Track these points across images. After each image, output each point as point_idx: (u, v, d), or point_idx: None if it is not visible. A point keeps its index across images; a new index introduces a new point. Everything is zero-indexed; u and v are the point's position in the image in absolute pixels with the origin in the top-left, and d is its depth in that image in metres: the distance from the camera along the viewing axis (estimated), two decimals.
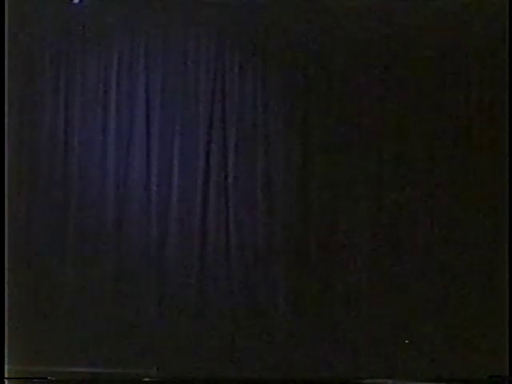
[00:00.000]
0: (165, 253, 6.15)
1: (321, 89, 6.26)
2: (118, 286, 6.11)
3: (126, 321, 6.03)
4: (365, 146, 6.21)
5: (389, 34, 6.20)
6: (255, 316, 6.07)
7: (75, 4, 6.15)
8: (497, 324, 5.77)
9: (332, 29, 6.23)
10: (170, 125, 6.23)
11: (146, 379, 5.78)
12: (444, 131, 6.15)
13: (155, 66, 6.26)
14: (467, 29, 6.16)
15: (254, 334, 6.02)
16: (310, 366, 5.87)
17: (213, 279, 6.13)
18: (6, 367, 5.39)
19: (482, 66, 6.18)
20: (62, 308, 6.08)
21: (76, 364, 5.85)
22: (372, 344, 5.96)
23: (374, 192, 6.20)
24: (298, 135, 6.23)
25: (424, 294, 6.02)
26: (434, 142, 6.17)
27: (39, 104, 6.23)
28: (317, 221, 6.18)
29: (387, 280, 6.09)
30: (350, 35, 6.22)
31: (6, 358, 5.35)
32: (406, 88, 6.20)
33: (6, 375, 5.37)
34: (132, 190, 6.21)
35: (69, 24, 6.22)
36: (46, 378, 5.65)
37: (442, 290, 6.02)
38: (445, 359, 5.86)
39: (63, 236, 6.16)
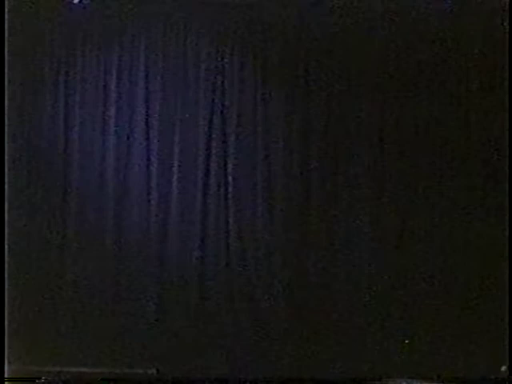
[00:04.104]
0: (165, 252, 6.15)
1: (321, 88, 6.25)
2: (118, 285, 6.10)
3: (125, 321, 6.03)
4: (365, 145, 6.20)
5: (389, 34, 6.19)
6: (255, 316, 6.07)
7: (75, 4, 6.15)
8: (497, 324, 5.77)
9: (332, 28, 6.22)
10: (169, 125, 6.23)
11: (146, 379, 5.79)
12: (444, 131, 6.14)
13: (155, 66, 6.25)
14: (467, 28, 6.17)
15: (254, 334, 6.01)
16: (310, 366, 5.86)
17: (213, 279, 6.13)
18: (6, 367, 5.40)
19: (482, 65, 6.17)
20: (62, 308, 6.07)
21: (76, 364, 5.85)
22: (372, 344, 5.95)
23: (375, 192, 6.19)
24: (298, 135, 6.23)
25: (424, 293, 6.02)
26: (433, 141, 6.17)
27: (39, 104, 6.22)
28: (317, 221, 6.17)
29: (387, 280, 6.09)
30: (350, 35, 6.21)
31: (5, 358, 5.37)
32: (407, 88, 6.19)
33: (6, 375, 5.38)
34: (132, 190, 6.20)
35: (69, 24, 6.22)
36: (46, 378, 5.66)
37: (442, 289, 6.01)
38: (445, 359, 5.85)
39: (63, 236, 6.16)
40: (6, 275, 5.53)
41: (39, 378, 5.63)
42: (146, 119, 6.22)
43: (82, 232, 6.15)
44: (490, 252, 5.99)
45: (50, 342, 5.96)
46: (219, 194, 6.19)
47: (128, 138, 6.21)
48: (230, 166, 6.21)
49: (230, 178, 6.20)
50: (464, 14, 6.14)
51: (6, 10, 5.72)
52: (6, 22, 5.71)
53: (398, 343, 5.95)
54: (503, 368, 5.62)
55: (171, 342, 5.98)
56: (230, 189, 6.19)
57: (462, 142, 6.15)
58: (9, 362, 5.48)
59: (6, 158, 5.77)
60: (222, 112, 6.25)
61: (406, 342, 5.95)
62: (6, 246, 5.54)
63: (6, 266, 5.56)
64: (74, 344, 5.96)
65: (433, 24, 6.16)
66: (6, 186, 5.74)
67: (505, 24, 5.93)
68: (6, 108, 5.80)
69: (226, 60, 6.26)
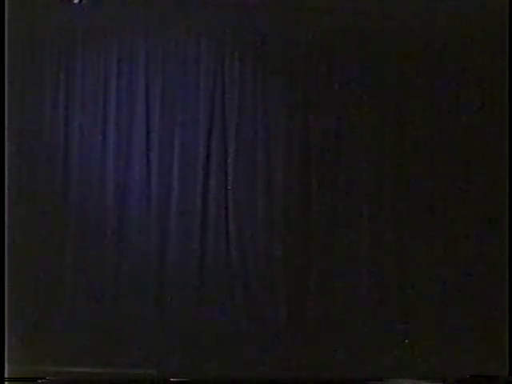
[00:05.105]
0: (165, 253, 6.15)
1: (321, 88, 6.26)
2: (117, 286, 6.11)
3: (125, 321, 6.03)
4: (365, 145, 6.21)
5: (389, 35, 6.20)
6: (255, 316, 6.07)
7: (75, 4, 6.15)
8: (497, 324, 5.77)
9: (332, 28, 6.23)
10: (169, 125, 6.24)
11: (146, 379, 5.79)
12: (444, 131, 6.15)
13: (155, 66, 6.26)
14: (467, 28, 6.18)
15: (253, 334, 6.02)
16: (310, 366, 5.86)
17: (213, 279, 6.13)
18: (6, 367, 5.40)
19: (483, 65, 6.18)
20: (62, 308, 6.07)
21: (76, 364, 5.85)
22: (372, 344, 5.95)
23: (375, 191, 6.20)
24: (298, 135, 6.24)
25: (424, 293, 6.03)
26: (433, 141, 6.17)
27: (39, 104, 6.23)
28: (317, 221, 6.18)
29: (387, 280, 6.09)
30: (350, 35, 6.22)
31: (5, 358, 5.36)
32: (407, 88, 6.20)
33: (5, 375, 5.38)
34: (132, 191, 6.21)
35: (69, 24, 6.22)
36: (46, 378, 5.65)
37: (442, 289, 6.02)
38: (445, 359, 5.86)
39: (63, 236, 6.16)
40: (5, 275, 5.53)
41: (39, 378, 5.63)
42: (147, 119, 6.22)
43: (82, 231, 6.15)
44: (490, 252, 5.99)
45: (50, 342, 5.96)
46: (219, 193, 6.20)
47: (128, 137, 6.22)
48: (230, 166, 6.21)
49: (229, 178, 6.21)
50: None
51: (6, 10, 5.71)
52: (6, 21, 5.71)
53: (398, 343, 5.96)
54: None
55: (171, 342, 5.98)
56: (230, 188, 6.20)
57: (463, 145, 6.17)
58: (9, 362, 5.47)
59: (6, 157, 5.76)
60: (222, 112, 6.26)
61: (406, 341, 5.95)
62: (6, 246, 5.53)
63: (6, 265, 5.55)
64: (74, 344, 5.96)
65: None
66: (6, 186, 5.74)
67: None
68: (6, 108, 5.80)
69: (226, 60, 6.27)
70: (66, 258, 6.15)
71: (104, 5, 6.24)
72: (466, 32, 6.19)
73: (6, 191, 5.70)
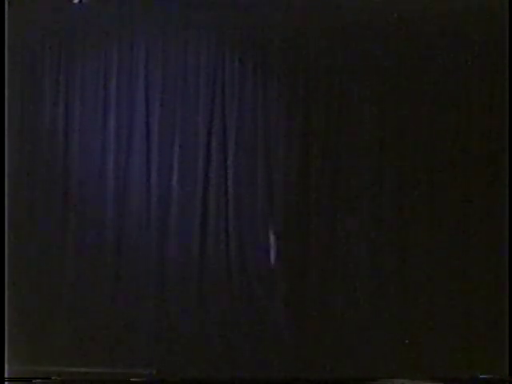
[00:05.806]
0: (164, 253, 6.16)
1: (321, 88, 6.26)
2: (117, 286, 6.11)
3: (125, 321, 6.03)
4: (365, 145, 6.21)
5: (389, 33, 6.20)
6: (255, 316, 6.08)
7: (75, 4, 6.15)
8: (497, 324, 5.77)
9: (332, 27, 6.22)
10: (169, 125, 6.24)
11: (146, 379, 5.79)
12: (444, 130, 6.15)
13: (155, 66, 6.26)
14: (468, 27, 6.17)
15: (253, 334, 6.02)
16: (310, 366, 5.86)
17: (213, 279, 6.13)
18: (6, 367, 5.40)
19: (483, 64, 6.18)
20: (62, 308, 6.08)
21: (76, 364, 5.85)
22: (372, 344, 5.95)
23: (375, 191, 6.19)
24: (298, 135, 6.24)
25: (424, 293, 6.02)
26: (434, 140, 6.17)
27: (39, 104, 6.23)
28: (317, 220, 6.18)
29: (387, 279, 6.09)
30: (350, 34, 6.22)
31: (6, 358, 5.37)
32: (407, 88, 6.20)
33: (6, 375, 5.38)
34: (132, 190, 6.21)
35: (69, 24, 6.22)
36: (47, 378, 5.66)
37: (442, 289, 6.02)
38: (445, 359, 5.85)
39: (63, 236, 6.16)
40: (5, 275, 5.53)
41: (39, 378, 5.64)
42: (146, 119, 6.22)
43: (82, 231, 6.15)
44: (490, 252, 5.99)
45: (50, 342, 5.97)
46: (219, 194, 6.20)
47: (128, 138, 6.22)
48: (230, 165, 6.21)
49: (229, 178, 6.21)
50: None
51: (6, 9, 5.72)
52: (6, 21, 5.72)
53: (398, 343, 5.96)
54: None
55: (171, 342, 5.99)
56: (230, 189, 6.19)
57: (462, 143, 6.16)
58: (8, 363, 5.48)
59: (6, 157, 5.77)
60: (222, 112, 6.25)
61: (406, 341, 5.95)
62: (6, 246, 5.54)
63: (6, 265, 5.56)
64: (74, 344, 5.97)
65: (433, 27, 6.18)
66: (6, 186, 5.74)
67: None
68: (6, 108, 5.81)
69: (226, 60, 6.27)
70: (66, 259, 6.15)
71: (104, 5, 6.23)
72: (466, 32, 6.18)
73: (6, 191, 5.71)
